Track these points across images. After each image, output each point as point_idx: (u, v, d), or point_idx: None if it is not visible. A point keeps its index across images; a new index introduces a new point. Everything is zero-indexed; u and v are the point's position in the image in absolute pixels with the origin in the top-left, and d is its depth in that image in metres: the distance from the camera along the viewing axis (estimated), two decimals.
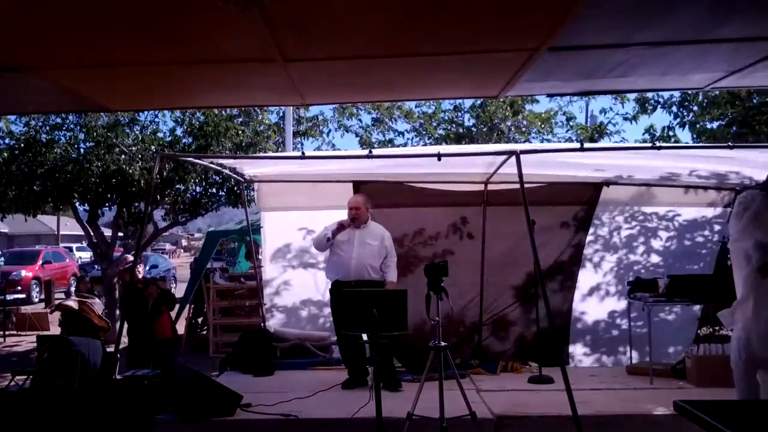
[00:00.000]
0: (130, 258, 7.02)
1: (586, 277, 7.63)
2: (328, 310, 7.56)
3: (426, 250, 7.52)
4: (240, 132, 11.63)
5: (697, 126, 9.81)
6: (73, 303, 4.92)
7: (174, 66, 3.94)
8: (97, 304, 5.03)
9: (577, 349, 7.60)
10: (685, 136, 10.05)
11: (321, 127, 13.82)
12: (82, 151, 11.54)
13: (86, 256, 31.47)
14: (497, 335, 7.59)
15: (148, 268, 18.21)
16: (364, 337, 4.75)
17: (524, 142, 12.27)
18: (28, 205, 11.80)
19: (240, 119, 12.19)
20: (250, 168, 7.31)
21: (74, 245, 34.36)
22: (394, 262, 6.54)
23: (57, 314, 5.21)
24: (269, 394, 5.78)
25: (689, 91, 9.55)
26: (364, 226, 6.44)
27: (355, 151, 8.28)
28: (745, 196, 4.80)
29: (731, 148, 5.47)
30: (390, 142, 13.61)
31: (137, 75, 4.14)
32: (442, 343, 4.81)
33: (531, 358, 7.18)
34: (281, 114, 12.90)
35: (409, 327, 4.77)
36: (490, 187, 7.37)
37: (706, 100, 9.77)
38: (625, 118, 11.95)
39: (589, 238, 7.61)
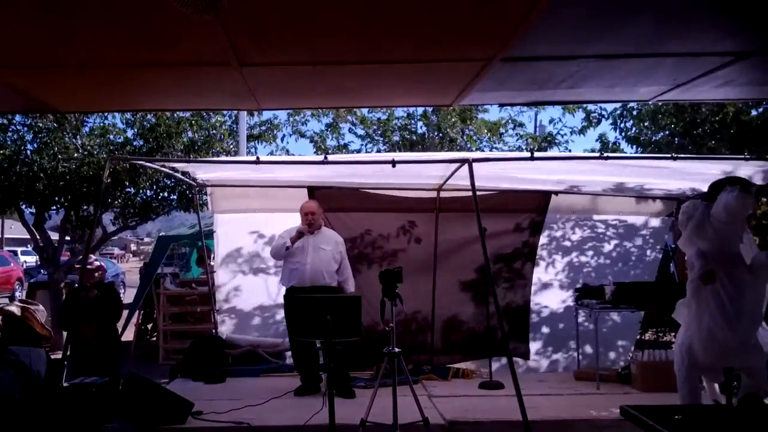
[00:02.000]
0: (98, 262, 6.78)
1: (538, 275, 7.79)
2: (280, 316, 7.52)
3: (375, 252, 7.56)
4: (193, 128, 11.42)
5: (641, 139, 10.08)
6: (15, 308, 4.75)
7: (126, 67, 3.90)
8: (40, 312, 4.86)
9: (533, 346, 7.73)
10: (630, 150, 10.30)
11: (275, 132, 13.71)
12: (29, 152, 11.22)
13: (31, 260, 30.58)
14: (449, 335, 7.65)
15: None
16: (318, 343, 4.73)
17: (475, 150, 12.40)
18: None
19: (193, 120, 12.01)
20: (203, 173, 7.23)
21: (19, 249, 33.33)
22: (350, 271, 6.57)
23: None
24: (221, 401, 5.72)
25: (634, 104, 9.81)
26: (318, 232, 6.44)
27: (310, 157, 8.26)
28: (688, 205, 4.96)
29: (674, 159, 5.66)
30: (344, 148, 13.60)
31: (88, 76, 4.08)
32: (396, 350, 4.84)
33: (483, 353, 7.25)
34: (233, 117, 12.75)
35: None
36: (443, 194, 7.45)
37: (646, 113, 10.05)
38: (573, 131, 12.20)
39: (542, 240, 7.76)
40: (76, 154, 10.88)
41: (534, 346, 7.75)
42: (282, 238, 6.45)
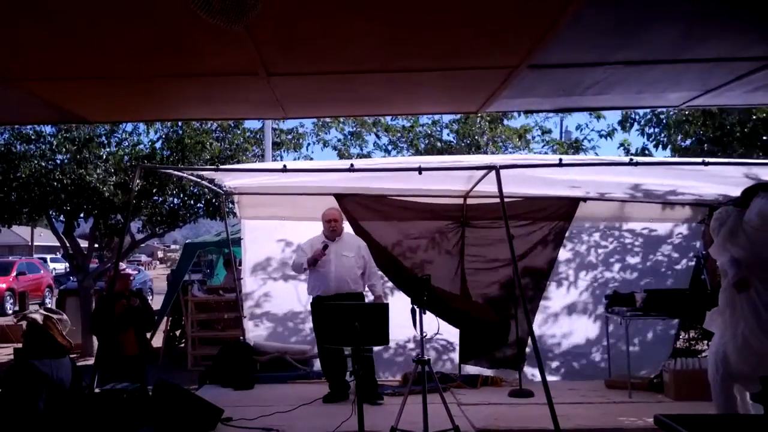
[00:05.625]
0: (130, 270, 6.89)
1: (561, 294, 7.72)
2: (308, 323, 7.56)
3: (406, 261, 7.53)
4: (213, 145, 11.57)
5: (670, 145, 9.96)
6: (38, 316, 4.78)
7: (155, 78, 3.95)
8: (63, 322, 4.88)
9: (562, 356, 7.67)
10: (658, 156, 10.17)
11: (300, 140, 13.81)
12: (58, 162, 11.43)
13: (61, 267, 31.05)
14: (475, 344, 7.59)
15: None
16: (347, 350, 4.74)
17: None
18: (2, 216, 11.64)
19: (218, 134, 12.16)
20: (229, 180, 7.29)
21: (48, 256, 33.86)
22: (377, 273, 6.55)
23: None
24: (250, 407, 5.75)
25: (662, 110, 9.70)
26: (339, 239, 6.43)
27: (336, 163, 8.29)
28: (721, 212, 4.88)
29: (705, 164, 5.58)
30: (368, 156, 13.65)
31: (118, 87, 4.15)
32: (426, 357, 4.83)
33: (511, 365, 7.21)
34: (258, 127, 12.90)
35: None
36: (469, 200, 7.43)
37: (670, 121, 9.93)
38: (601, 135, 12.09)
39: (567, 255, 7.69)
40: (101, 166, 11.04)
41: (564, 355, 7.67)
42: (302, 250, 6.47)
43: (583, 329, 7.71)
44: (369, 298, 6.55)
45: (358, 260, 6.41)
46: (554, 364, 7.64)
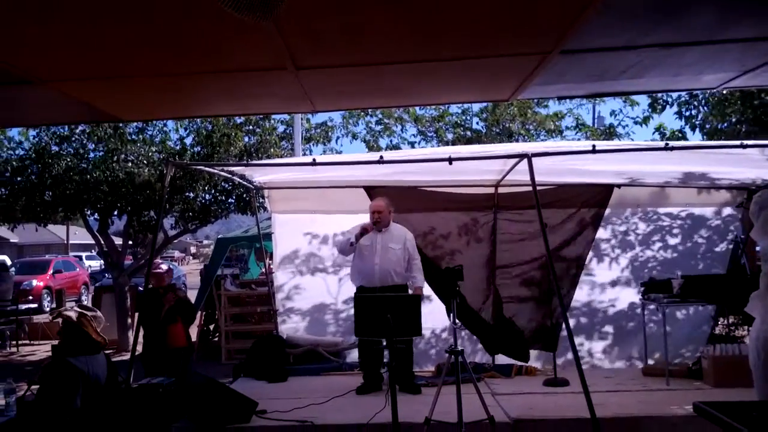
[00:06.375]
0: (165, 266, 7.03)
1: (602, 273, 7.64)
2: (342, 315, 7.60)
3: (436, 251, 7.50)
4: (239, 137, 11.64)
5: (707, 127, 9.77)
6: (72, 313, 4.85)
7: (186, 76, 3.96)
8: (98, 319, 4.96)
9: (594, 346, 7.59)
10: (695, 138, 9.99)
11: (329, 133, 13.84)
12: (90, 160, 11.61)
13: (96, 264, 31.61)
14: (509, 333, 7.52)
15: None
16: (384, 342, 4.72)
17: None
18: (38, 215, 11.87)
19: (247, 127, 12.23)
20: (259, 175, 7.33)
21: (83, 254, 34.50)
22: (419, 266, 6.51)
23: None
24: (284, 400, 5.78)
25: (699, 92, 9.52)
26: (386, 230, 6.40)
27: (365, 155, 8.28)
28: (761, 195, 4.75)
29: (744, 147, 5.44)
30: (397, 147, 13.62)
31: (150, 86, 4.18)
32: (459, 347, 4.81)
33: (547, 347, 7.17)
34: (286, 121, 12.93)
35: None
36: (501, 189, 7.37)
37: (709, 101, 9.74)
38: (636, 122, 11.91)
39: (605, 235, 7.61)
40: (133, 161, 11.20)
41: (600, 343, 7.59)
42: (349, 233, 6.43)
43: (622, 308, 7.62)
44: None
45: (404, 253, 6.38)
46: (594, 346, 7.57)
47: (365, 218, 6.48)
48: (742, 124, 9.18)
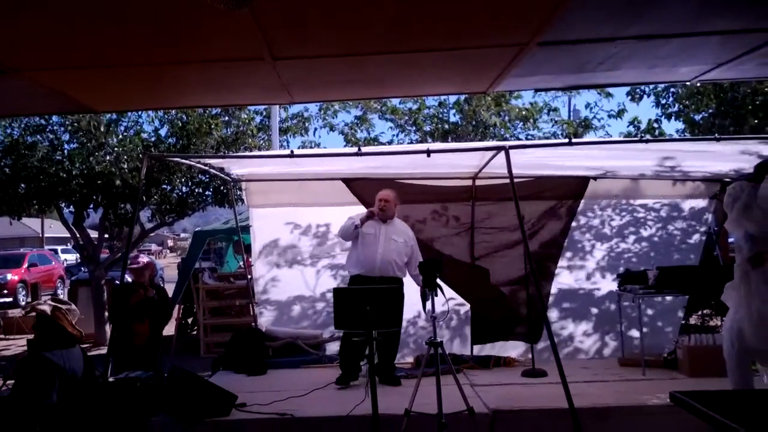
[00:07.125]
0: (146, 259, 6.80)
1: (578, 262, 7.70)
2: (319, 307, 7.57)
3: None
4: (219, 127, 11.52)
5: (682, 116, 9.91)
6: (46, 307, 4.78)
7: (161, 66, 3.92)
8: (72, 312, 4.89)
9: (577, 332, 7.64)
10: (670, 127, 10.17)
11: (306, 125, 13.75)
12: (66, 152, 11.44)
13: (71, 258, 31.24)
14: (487, 323, 7.56)
15: None
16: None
17: (510, 138, 12.28)
18: (12, 208, 11.67)
19: (225, 117, 12.11)
20: (237, 168, 7.27)
21: (59, 247, 34.06)
22: None
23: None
24: (263, 393, 5.76)
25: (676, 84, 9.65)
26: (390, 222, 6.37)
27: (343, 149, 8.27)
28: (734, 187, 4.82)
29: (718, 140, 5.50)
30: (375, 140, 13.59)
31: (124, 75, 4.11)
32: (438, 339, 4.82)
33: (527, 338, 7.20)
34: (263, 113, 12.83)
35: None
36: (478, 182, 7.39)
37: (686, 92, 9.87)
38: (610, 115, 12.01)
39: (581, 227, 7.66)
40: (109, 156, 11.05)
41: (576, 333, 7.65)
42: (351, 218, 6.37)
43: (595, 305, 7.68)
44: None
45: (406, 248, 6.35)
46: (566, 339, 7.63)
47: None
48: (715, 117, 9.31)
